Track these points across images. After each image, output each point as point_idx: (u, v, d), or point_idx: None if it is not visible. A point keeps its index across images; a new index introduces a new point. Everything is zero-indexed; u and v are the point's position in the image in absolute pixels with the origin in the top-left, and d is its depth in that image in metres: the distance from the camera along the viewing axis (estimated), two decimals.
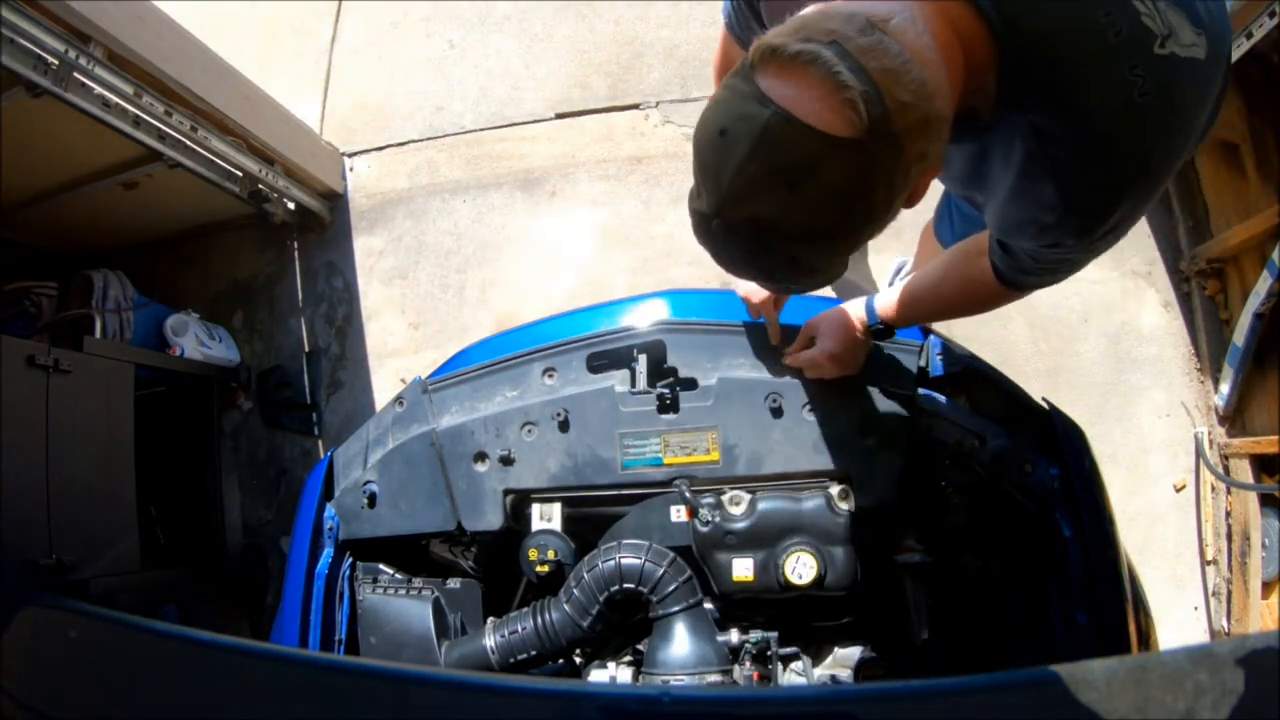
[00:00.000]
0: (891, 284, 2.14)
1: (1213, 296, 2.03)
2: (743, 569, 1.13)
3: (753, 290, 1.18)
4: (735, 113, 0.63)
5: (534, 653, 1.15)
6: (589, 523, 1.25)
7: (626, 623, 1.22)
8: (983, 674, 0.57)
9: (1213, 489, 1.96)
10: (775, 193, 0.63)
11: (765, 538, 1.13)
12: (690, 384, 1.19)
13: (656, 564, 1.12)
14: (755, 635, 1.13)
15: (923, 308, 1.09)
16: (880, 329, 1.11)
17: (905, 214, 2.24)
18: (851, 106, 0.60)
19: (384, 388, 2.46)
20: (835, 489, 1.14)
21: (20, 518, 1.65)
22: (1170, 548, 2.00)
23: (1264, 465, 1.84)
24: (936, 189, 1.49)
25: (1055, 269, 0.86)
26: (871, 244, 2.23)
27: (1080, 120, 0.68)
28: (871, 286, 2.22)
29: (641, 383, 1.21)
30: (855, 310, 1.12)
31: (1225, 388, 1.92)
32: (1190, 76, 0.69)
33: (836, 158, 0.61)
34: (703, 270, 2.31)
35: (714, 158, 0.65)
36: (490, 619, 1.22)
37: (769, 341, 1.19)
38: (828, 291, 2.22)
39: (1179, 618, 1.97)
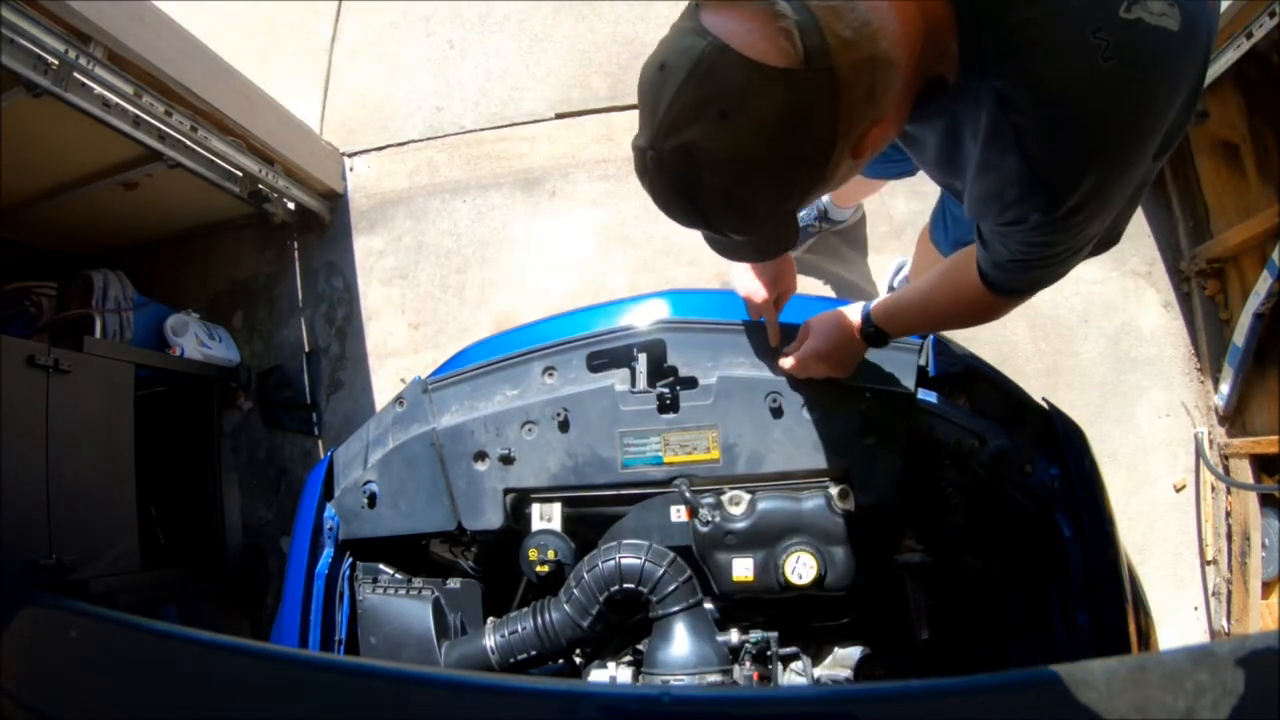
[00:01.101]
0: (891, 284, 2.14)
1: (1213, 296, 2.03)
2: (743, 569, 1.14)
3: (754, 290, 1.18)
4: (675, 47, 0.64)
5: (534, 653, 1.15)
6: (589, 523, 1.25)
7: (626, 623, 1.22)
8: (983, 674, 0.57)
9: (1213, 489, 1.96)
10: (706, 121, 0.63)
11: (765, 538, 1.13)
12: (690, 383, 1.19)
13: (656, 564, 1.12)
14: (755, 635, 1.13)
15: (915, 316, 1.08)
16: (874, 333, 1.10)
17: (904, 215, 2.22)
18: (786, 36, 0.60)
19: (384, 388, 2.46)
20: (835, 489, 1.14)
21: (20, 518, 1.65)
22: (1170, 548, 2.00)
23: (1264, 465, 1.83)
24: (934, 191, 1.50)
25: (1033, 261, 0.83)
26: (871, 244, 2.26)
27: (1041, 85, 0.66)
28: (871, 287, 2.22)
29: (641, 382, 1.21)
30: (852, 314, 1.11)
31: (1225, 388, 1.92)
32: (1160, 46, 0.66)
33: (768, 87, 0.61)
34: (702, 270, 2.32)
35: (652, 90, 0.65)
36: (490, 619, 1.22)
37: (769, 341, 1.19)
38: (829, 292, 2.23)
39: (1179, 618, 1.97)
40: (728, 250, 0.84)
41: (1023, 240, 0.79)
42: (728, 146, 0.64)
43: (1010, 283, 0.89)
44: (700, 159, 0.65)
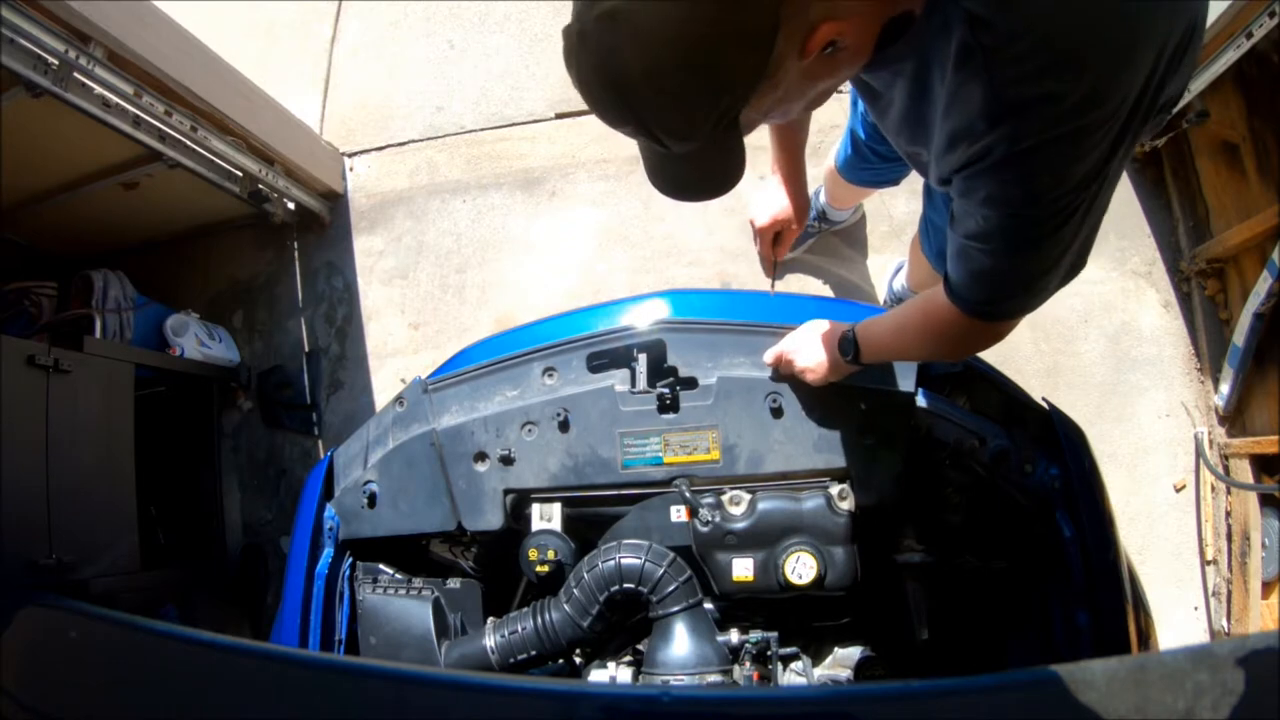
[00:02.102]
0: (890, 284, 2.14)
1: (1213, 296, 2.03)
2: (743, 569, 1.14)
3: (755, 215, 1.21)
4: None
5: (534, 653, 1.15)
6: (589, 523, 1.25)
7: (626, 623, 1.22)
8: (983, 674, 0.57)
9: (1213, 489, 1.96)
10: None
11: (765, 538, 1.13)
12: (690, 383, 1.19)
13: (656, 564, 1.12)
14: (755, 635, 1.13)
15: (887, 335, 1.03)
16: (850, 343, 1.06)
17: (904, 215, 2.21)
18: None
19: (384, 388, 2.46)
20: (835, 489, 1.14)
21: (20, 518, 1.65)
22: (1170, 548, 2.00)
23: (1264, 465, 1.83)
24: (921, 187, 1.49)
25: (1000, 239, 0.74)
26: (871, 244, 2.25)
27: None
28: (871, 287, 2.22)
29: (641, 382, 1.21)
30: (839, 331, 1.09)
31: (1225, 388, 1.92)
32: None
33: None
34: (703, 270, 2.32)
35: None
36: (490, 619, 1.22)
37: (769, 341, 1.20)
38: (828, 292, 2.23)
39: (1179, 618, 1.97)
40: (670, 177, 0.75)
41: (988, 196, 0.71)
42: (654, 14, 0.58)
43: (974, 287, 0.82)
44: (625, 29, 0.59)
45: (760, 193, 1.28)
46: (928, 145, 0.78)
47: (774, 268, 1.38)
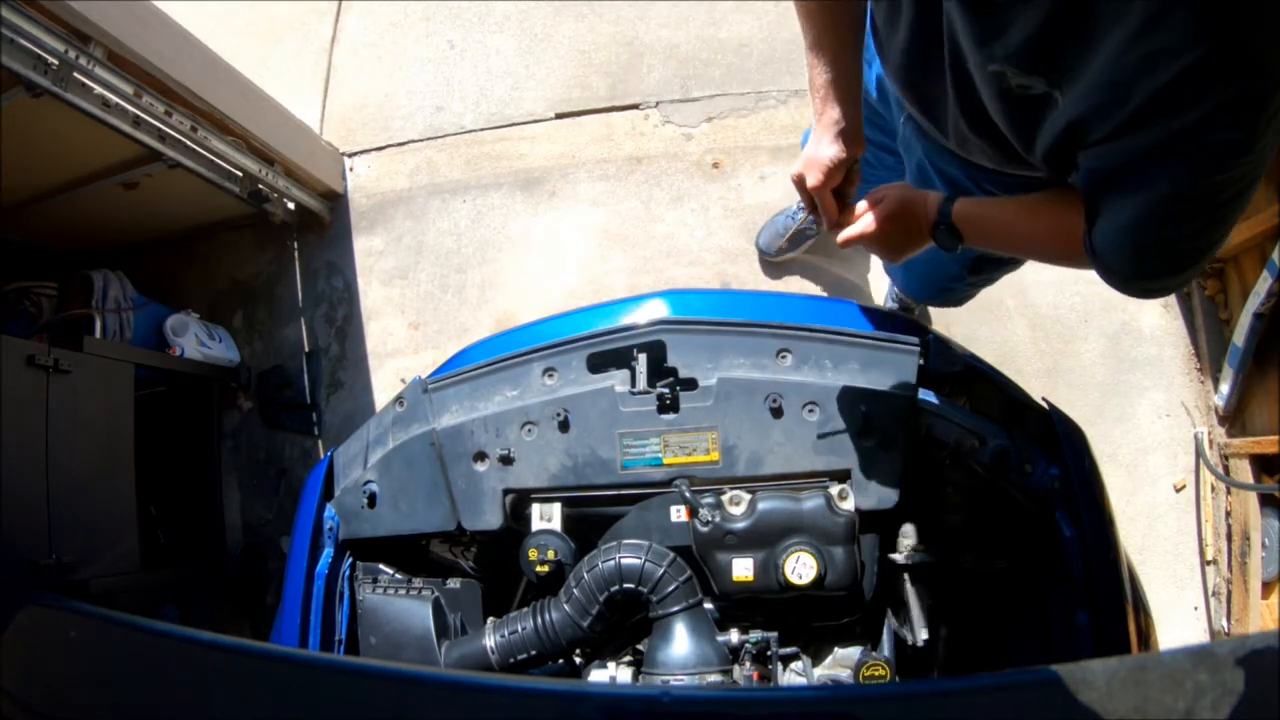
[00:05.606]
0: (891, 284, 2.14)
1: (1213, 296, 2.03)
2: (743, 569, 1.14)
3: (806, 163, 0.99)
4: None
5: (534, 653, 1.15)
6: (589, 523, 1.25)
7: (626, 623, 1.22)
8: (983, 674, 0.57)
9: (1213, 489, 1.97)
10: None
11: (765, 538, 1.13)
12: (690, 384, 1.19)
13: (656, 564, 1.12)
14: (755, 635, 1.13)
15: (1001, 231, 0.93)
16: (946, 230, 0.95)
17: None
18: None
19: (384, 388, 2.46)
20: (835, 489, 1.14)
21: (20, 518, 1.65)
22: (1170, 548, 2.01)
23: (1264, 465, 1.83)
24: None
25: (1164, 213, 0.66)
26: None
27: None
28: (870, 287, 2.22)
29: (641, 383, 1.21)
30: (926, 203, 0.97)
31: (1225, 388, 1.92)
32: None
33: None
34: (703, 270, 2.32)
35: None
36: (490, 619, 1.22)
37: (769, 342, 1.19)
38: (822, 292, 2.23)
39: (1179, 618, 1.97)
40: None
41: (1188, 152, 0.62)
42: None
43: (1134, 260, 0.75)
44: None
45: (805, 150, 1.02)
46: (1063, 72, 0.65)
47: (838, 216, 1.05)
